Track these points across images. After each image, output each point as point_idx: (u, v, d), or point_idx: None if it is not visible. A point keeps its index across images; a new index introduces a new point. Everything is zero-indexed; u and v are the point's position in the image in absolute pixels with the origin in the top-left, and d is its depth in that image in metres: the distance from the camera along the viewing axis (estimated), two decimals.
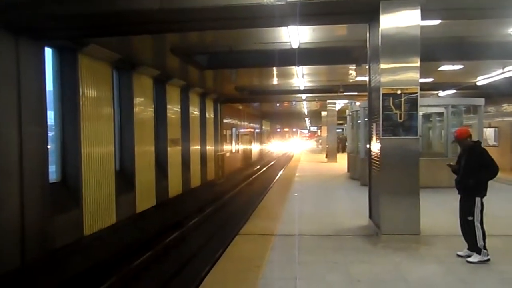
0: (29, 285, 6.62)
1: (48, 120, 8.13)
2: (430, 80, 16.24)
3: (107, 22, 6.99)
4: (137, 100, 11.72)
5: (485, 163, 5.19)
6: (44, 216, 7.59)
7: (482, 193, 5.21)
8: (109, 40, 9.13)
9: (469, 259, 5.18)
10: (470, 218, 5.22)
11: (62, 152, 8.85)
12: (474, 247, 5.25)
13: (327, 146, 24.63)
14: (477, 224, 5.16)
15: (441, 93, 19.02)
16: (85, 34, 8.04)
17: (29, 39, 7.20)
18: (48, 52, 8.43)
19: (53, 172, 8.55)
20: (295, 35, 8.76)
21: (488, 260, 5.09)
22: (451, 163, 5.75)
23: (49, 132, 8.17)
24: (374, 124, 6.53)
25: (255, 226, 7.37)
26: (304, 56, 10.97)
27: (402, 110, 5.96)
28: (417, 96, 5.99)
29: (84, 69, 9.00)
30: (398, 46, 6.03)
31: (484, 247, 5.13)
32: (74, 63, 8.75)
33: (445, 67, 13.68)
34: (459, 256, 5.33)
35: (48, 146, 8.06)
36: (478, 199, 5.18)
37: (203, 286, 4.55)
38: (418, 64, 6.00)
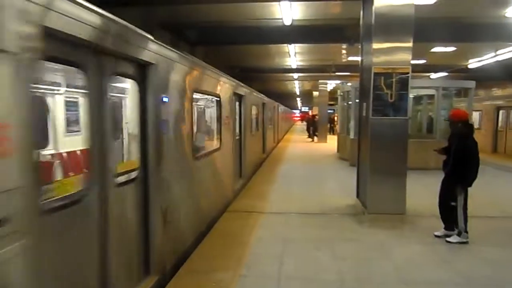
0: None
1: None
2: (422, 61, 16.21)
3: None
4: None
5: (467, 157, 5.10)
6: None
7: (466, 183, 5.19)
8: None
9: (448, 239, 5.29)
10: (453, 203, 5.26)
11: None
12: (451, 227, 5.37)
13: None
14: (459, 210, 5.20)
15: (433, 75, 19.04)
16: None
17: None
18: None
19: None
20: (288, 11, 8.59)
21: (467, 242, 5.19)
22: (437, 148, 5.72)
23: None
24: (365, 104, 6.51)
25: (243, 203, 7.40)
26: (297, 33, 10.82)
27: (393, 90, 5.94)
28: (408, 76, 5.96)
29: None
30: (392, 25, 5.96)
31: (465, 230, 5.22)
32: None
33: (438, 49, 13.63)
34: (436, 236, 5.43)
35: None
36: (461, 187, 5.19)
37: (190, 260, 4.56)
38: (411, 44, 5.95)
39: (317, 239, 5.38)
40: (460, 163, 5.12)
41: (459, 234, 5.25)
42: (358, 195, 7.09)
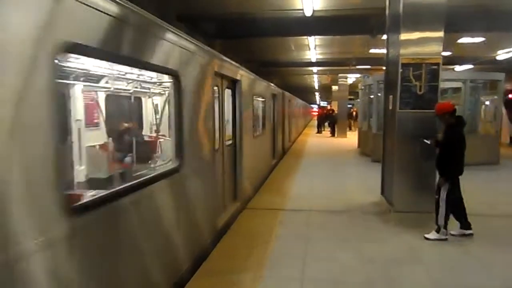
0: None
1: None
2: (448, 53, 15.61)
3: None
4: None
5: (453, 147, 4.91)
6: None
7: (449, 174, 4.98)
8: None
9: (426, 235, 5.06)
10: (436, 196, 5.08)
11: None
12: (466, 225, 5.15)
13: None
14: (441, 204, 5.00)
15: (458, 68, 18.37)
16: None
17: None
18: None
19: None
20: (309, 2, 8.30)
21: (446, 239, 4.97)
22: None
23: None
24: (391, 96, 6.21)
25: (263, 200, 7.21)
26: (317, 25, 10.50)
27: (422, 81, 5.63)
28: (439, 67, 5.64)
29: None
30: (421, 14, 5.67)
31: (445, 227, 4.99)
32: None
33: (465, 40, 13.06)
34: (452, 235, 5.16)
35: None
36: (445, 179, 4.98)
37: (209, 260, 4.40)
38: (442, 34, 5.66)
39: (342, 239, 5.14)
40: (445, 152, 4.96)
41: (437, 231, 5.02)
42: (383, 192, 6.81)
